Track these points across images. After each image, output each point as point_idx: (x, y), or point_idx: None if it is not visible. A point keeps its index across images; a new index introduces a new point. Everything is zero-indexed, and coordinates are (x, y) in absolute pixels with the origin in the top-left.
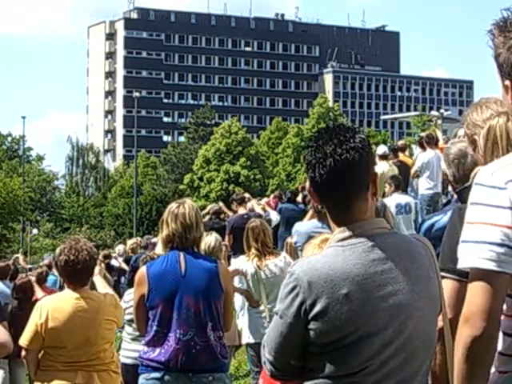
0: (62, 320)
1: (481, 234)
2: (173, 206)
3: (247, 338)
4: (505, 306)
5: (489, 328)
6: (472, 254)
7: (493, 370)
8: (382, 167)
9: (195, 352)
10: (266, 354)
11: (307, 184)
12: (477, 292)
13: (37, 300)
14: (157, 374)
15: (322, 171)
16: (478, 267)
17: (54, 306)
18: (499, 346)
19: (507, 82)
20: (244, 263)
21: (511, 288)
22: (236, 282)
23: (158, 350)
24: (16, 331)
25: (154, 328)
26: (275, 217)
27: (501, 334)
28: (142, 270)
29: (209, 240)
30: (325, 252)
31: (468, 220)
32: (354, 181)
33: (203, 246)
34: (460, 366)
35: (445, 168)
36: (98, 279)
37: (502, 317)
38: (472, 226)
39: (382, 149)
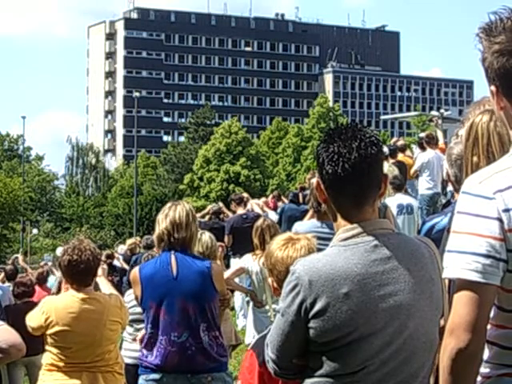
0: (66, 321)
1: (466, 244)
2: (166, 206)
3: (252, 337)
4: (491, 315)
5: (474, 340)
6: (457, 265)
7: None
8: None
9: (191, 353)
10: (269, 353)
11: (313, 181)
12: (462, 303)
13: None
14: (156, 376)
15: (347, 165)
16: (464, 278)
17: (58, 306)
18: (485, 355)
19: (492, 88)
20: (249, 262)
21: (497, 298)
22: (236, 280)
23: (153, 353)
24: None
25: (149, 330)
26: (273, 217)
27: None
28: (135, 271)
29: (205, 240)
30: (327, 251)
31: (454, 229)
32: (372, 177)
33: (200, 246)
34: (445, 377)
35: (447, 168)
36: (101, 280)
37: (488, 326)
38: (458, 236)
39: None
